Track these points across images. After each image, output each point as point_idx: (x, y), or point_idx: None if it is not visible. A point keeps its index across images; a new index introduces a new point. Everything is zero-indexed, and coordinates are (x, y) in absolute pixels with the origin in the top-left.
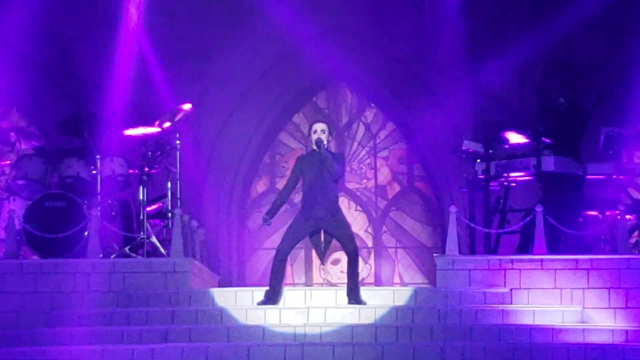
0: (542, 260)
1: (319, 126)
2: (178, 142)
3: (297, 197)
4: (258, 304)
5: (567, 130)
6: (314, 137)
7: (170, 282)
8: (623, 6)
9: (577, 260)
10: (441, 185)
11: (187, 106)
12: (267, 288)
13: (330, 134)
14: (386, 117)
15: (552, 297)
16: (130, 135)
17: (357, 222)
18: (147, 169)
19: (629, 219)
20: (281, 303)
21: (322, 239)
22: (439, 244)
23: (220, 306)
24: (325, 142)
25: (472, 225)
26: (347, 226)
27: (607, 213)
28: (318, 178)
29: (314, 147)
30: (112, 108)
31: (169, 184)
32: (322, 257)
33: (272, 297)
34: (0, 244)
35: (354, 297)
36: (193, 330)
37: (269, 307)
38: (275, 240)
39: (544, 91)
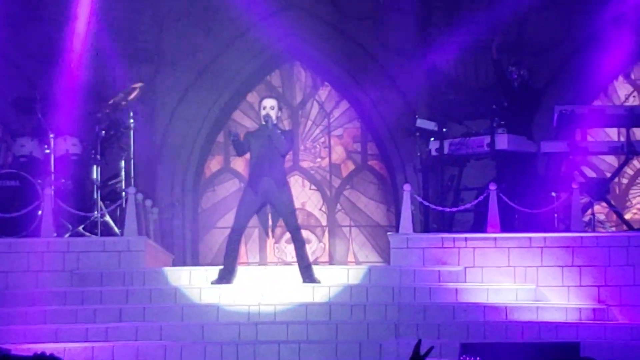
0: (495, 238)
1: (268, 102)
2: (132, 121)
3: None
4: (212, 283)
5: (521, 109)
6: (263, 112)
7: (124, 261)
8: None
9: (530, 239)
10: (395, 163)
11: (140, 85)
12: (221, 267)
13: (279, 109)
14: (340, 96)
15: (506, 275)
16: (84, 114)
17: (311, 200)
18: (100, 148)
19: (582, 197)
20: (235, 282)
21: (269, 213)
22: (393, 223)
23: (174, 285)
24: (274, 118)
25: (426, 203)
26: (290, 202)
27: (561, 191)
28: (266, 152)
29: (262, 122)
30: (66, 87)
31: (123, 163)
32: (268, 231)
33: (226, 276)
34: None
35: (307, 275)
36: (147, 310)
37: (223, 286)
38: (228, 219)
39: (497, 69)
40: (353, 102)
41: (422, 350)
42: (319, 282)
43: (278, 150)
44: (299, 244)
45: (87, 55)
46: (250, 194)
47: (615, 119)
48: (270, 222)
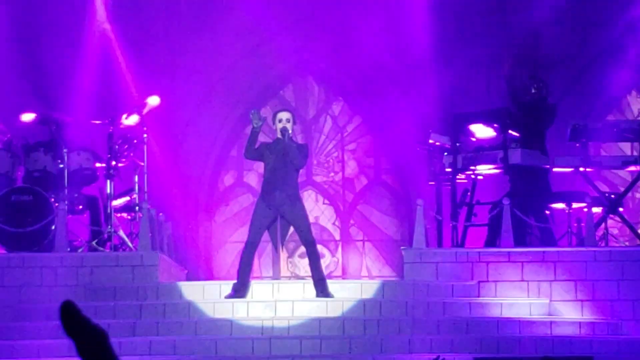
0: (509, 253)
1: (284, 115)
2: (145, 135)
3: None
4: (226, 297)
5: (534, 123)
6: (279, 125)
7: (137, 275)
8: None
9: (544, 253)
10: (408, 178)
11: (154, 99)
12: (235, 281)
13: (294, 122)
14: (353, 111)
15: (520, 290)
16: (98, 129)
17: (324, 215)
18: (114, 163)
19: (596, 212)
20: (249, 296)
21: (279, 226)
22: (406, 237)
23: (188, 300)
24: (290, 131)
25: (439, 218)
26: (304, 216)
27: (574, 206)
28: (280, 165)
29: (279, 135)
30: (80, 102)
31: (136, 178)
32: (277, 245)
33: (239, 290)
34: None
35: (321, 290)
36: (161, 324)
37: (236, 301)
38: (242, 233)
39: (511, 84)
40: (366, 117)
41: None
42: (332, 296)
43: (293, 164)
44: (314, 258)
45: (100, 69)
46: (263, 207)
47: (628, 133)
48: (279, 236)
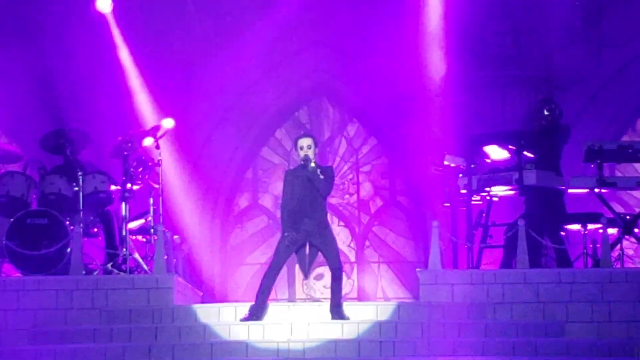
0: (525, 274)
1: (305, 141)
2: (160, 157)
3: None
4: (241, 320)
5: (549, 145)
6: (301, 153)
7: (153, 298)
8: (602, 19)
9: (559, 274)
10: (423, 199)
11: (169, 122)
12: (252, 303)
13: (316, 146)
14: (368, 132)
15: (535, 311)
16: (113, 152)
17: (339, 237)
18: (129, 186)
19: (611, 233)
20: (265, 319)
21: (308, 253)
22: (421, 259)
23: (204, 322)
24: (312, 157)
25: (455, 239)
26: (334, 241)
27: (590, 227)
28: (307, 192)
29: (302, 161)
30: (95, 124)
31: (151, 200)
32: (306, 272)
33: (256, 313)
34: None
35: (337, 312)
36: (176, 347)
37: (252, 323)
38: (257, 255)
39: (526, 105)
40: (381, 138)
41: None
42: (348, 318)
43: (320, 193)
44: (337, 282)
45: (116, 92)
46: (295, 230)
47: None
48: (307, 263)
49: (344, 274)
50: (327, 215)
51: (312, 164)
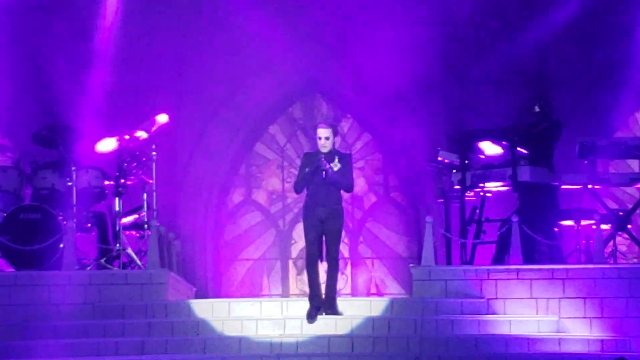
0: (518, 270)
1: (323, 133)
2: (154, 153)
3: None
4: (308, 321)
5: (541, 141)
6: (319, 142)
7: (146, 293)
8: (596, 16)
9: (552, 270)
10: (417, 195)
11: (163, 117)
12: (309, 296)
13: (335, 134)
14: (362, 128)
15: (528, 307)
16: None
17: None
18: (122, 181)
19: (604, 229)
20: (257, 314)
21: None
22: (415, 255)
23: (197, 318)
24: (328, 147)
25: (448, 235)
26: (339, 230)
27: (583, 223)
28: (322, 180)
29: (319, 167)
30: (88, 119)
31: (145, 196)
32: (323, 256)
33: (313, 300)
34: None
35: (330, 307)
36: (170, 342)
37: (245, 319)
38: (251, 251)
39: (519, 102)
40: (375, 134)
41: None
42: (341, 314)
43: (344, 189)
44: (333, 275)
45: (109, 86)
46: (310, 219)
47: (636, 150)
48: (324, 247)
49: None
50: (340, 202)
51: (336, 164)
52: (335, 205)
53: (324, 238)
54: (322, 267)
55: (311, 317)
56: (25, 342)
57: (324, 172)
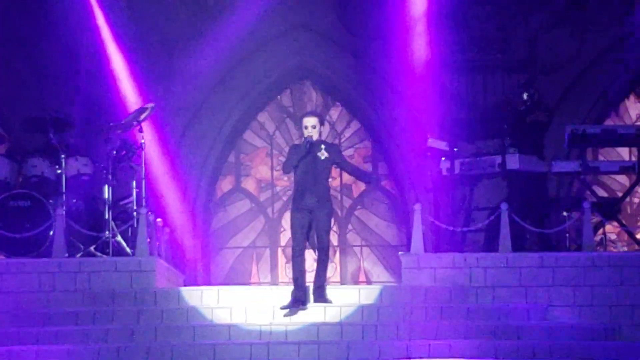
0: (507, 257)
1: (309, 121)
2: (143, 140)
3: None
4: (282, 308)
5: (531, 129)
6: (305, 132)
7: (135, 281)
8: (587, 3)
9: (542, 258)
10: (406, 183)
11: (151, 105)
12: (293, 289)
13: (321, 124)
14: (351, 115)
15: (517, 295)
16: (95, 134)
17: None
18: (112, 168)
19: (594, 217)
20: (246, 302)
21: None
22: (404, 242)
23: (186, 305)
24: (315, 136)
25: (437, 223)
26: (328, 219)
27: (572, 211)
28: (310, 168)
29: (305, 145)
30: (77, 107)
31: (134, 183)
32: (314, 247)
33: (299, 298)
34: None
35: (319, 295)
36: (159, 329)
37: (234, 306)
38: (240, 239)
39: (507, 89)
40: (364, 122)
41: None
42: (330, 302)
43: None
44: (323, 264)
45: (98, 74)
46: (297, 211)
47: (626, 138)
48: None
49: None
50: (328, 191)
51: (324, 153)
52: (323, 192)
53: (313, 229)
54: (312, 256)
55: (290, 307)
56: (15, 329)
57: (315, 148)
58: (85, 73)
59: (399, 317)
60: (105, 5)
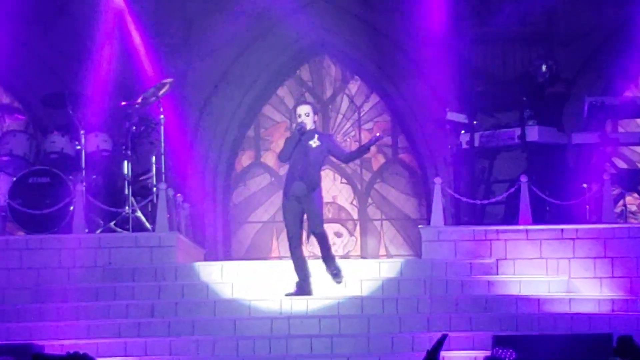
0: (527, 230)
1: (302, 109)
2: (162, 116)
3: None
4: (287, 295)
5: (550, 101)
6: (299, 120)
7: (155, 256)
8: None
9: (562, 230)
10: (426, 156)
11: (170, 80)
12: (297, 280)
13: (315, 113)
14: (370, 89)
15: (538, 267)
16: (114, 110)
17: (342, 194)
18: (131, 144)
19: (614, 189)
20: (267, 276)
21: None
22: (424, 216)
23: (206, 280)
24: (309, 125)
25: (457, 196)
26: (319, 205)
27: (592, 183)
28: (301, 156)
29: (296, 131)
30: (96, 83)
31: (154, 159)
32: (307, 235)
33: (302, 287)
34: None
35: (335, 276)
36: (179, 305)
37: (254, 281)
38: (260, 214)
39: (526, 62)
40: (383, 96)
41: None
42: (341, 277)
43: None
44: (325, 247)
45: (117, 50)
46: (286, 199)
47: None
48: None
49: (346, 231)
50: (319, 179)
51: (315, 141)
52: (313, 179)
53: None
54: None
55: (292, 294)
56: (36, 305)
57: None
58: (103, 49)
59: (420, 290)
60: None
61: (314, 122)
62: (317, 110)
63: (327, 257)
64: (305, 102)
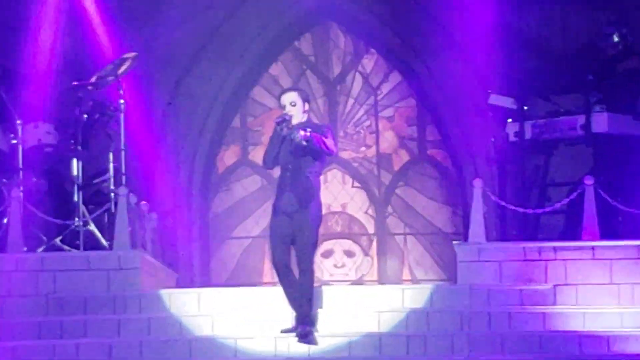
0: (593, 247)
1: (287, 98)
2: (122, 102)
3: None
4: (282, 332)
5: (622, 81)
6: (284, 112)
7: (114, 282)
8: None
9: (639, 248)
10: (462, 153)
11: (133, 55)
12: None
13: (305, 101)
14: (390, 67)
15: (608, 296)
16: (60, 94)
17: (354, 201)
18: (82, 137)
19: None
20: (258, 307)
21: None
22: (460, 229)
23: (179, 313)
24: (297, 114)
25: (503, 203)
26: (312, 227)
27: None
28: (289, 160)
29: (275, 123)
30: (39, 60)
31: (111, 156)
32: None
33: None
34: None
35: (301, 320)
36: (144, 344)
37: (242, 315)
38: (247, 226)
39: (592, 30)
40: (407, 74)
41: None
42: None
43: (318, 159)
44: (304, 291)
45: (65, 17)
46: (274, 215)
47: None
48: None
49: (359, 248)
50: (312, 189)
51: (300, 137)
52: (305, 190)
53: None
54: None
55: (292, 332)
56: None
57: (289, 131)
58: (48, 19)
59: (455, 326)
60: None
61: (305, 112)
62: (308, 98)
63: (301, 306)
64: (290, 89)
